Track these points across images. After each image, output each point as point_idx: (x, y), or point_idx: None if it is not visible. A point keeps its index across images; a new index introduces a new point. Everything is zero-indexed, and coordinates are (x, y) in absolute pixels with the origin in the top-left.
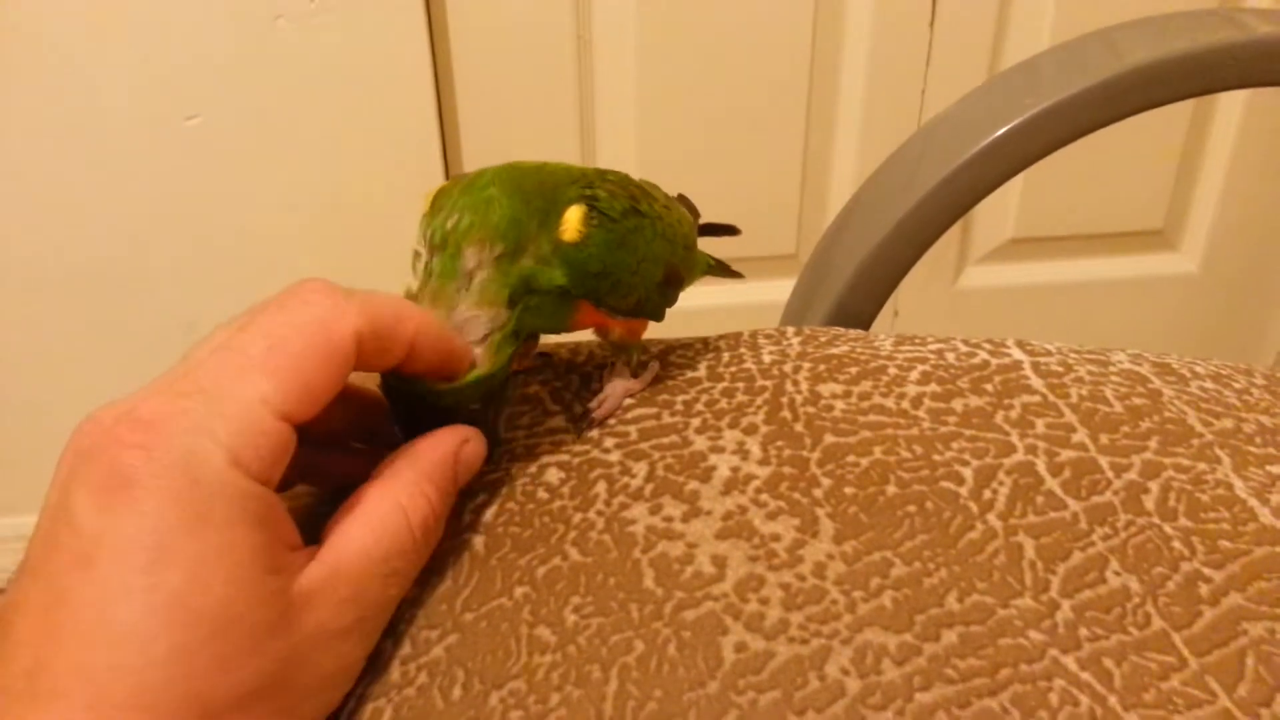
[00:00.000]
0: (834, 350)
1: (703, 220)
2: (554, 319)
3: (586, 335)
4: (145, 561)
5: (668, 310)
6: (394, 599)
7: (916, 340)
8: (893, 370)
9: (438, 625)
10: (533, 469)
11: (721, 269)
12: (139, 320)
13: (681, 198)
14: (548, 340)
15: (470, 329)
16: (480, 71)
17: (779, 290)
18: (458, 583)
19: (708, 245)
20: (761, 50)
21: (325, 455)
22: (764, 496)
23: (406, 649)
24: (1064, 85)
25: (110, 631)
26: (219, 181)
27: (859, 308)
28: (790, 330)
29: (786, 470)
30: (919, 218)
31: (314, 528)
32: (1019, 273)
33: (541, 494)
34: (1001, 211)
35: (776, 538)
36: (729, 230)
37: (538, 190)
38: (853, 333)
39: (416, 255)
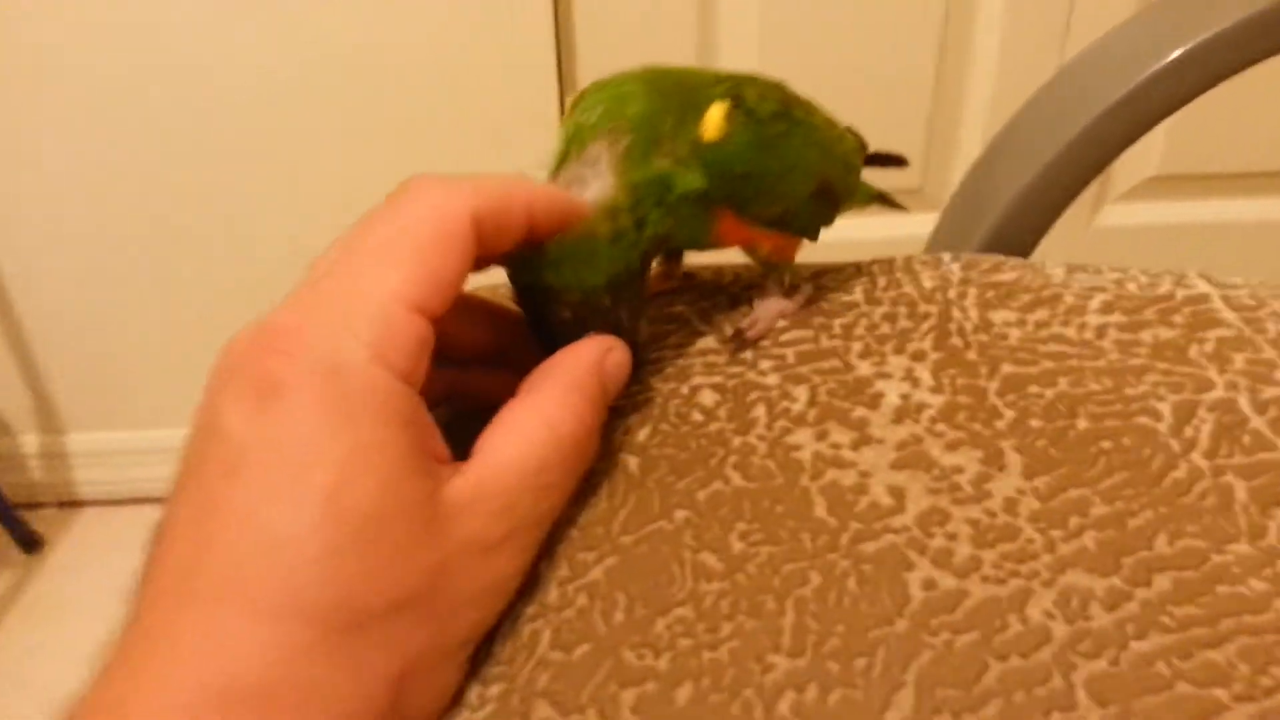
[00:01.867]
0: (1000, 277)
1: (870, 150)
2: (694, 229)
3: (732, 257)
4: (293, 464)
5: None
6: (548, 514)
7: (1090, 269)
8: (1069, 299)
9: (595, 547)
10: (685, 390)
11: (885, 200)
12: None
13: (849, 129)
14: (690, 261)
15: (587, 194)
16: (603, 45)
17: (900, 226)
18: (613, 504)
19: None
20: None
21: (466, 375)
22: (940, 426)
23: (564, 570)
24: (1237, 6)
25: (260, 535)
26: (312, 109)
27: (1018, 239)
28: (947, 256)
29: (963, 399)
30: (1084, 144)
31: (460, 445)
32: (1162, 211)
33: (696, 415)
34: (1144, 146)
35: (959, 470)
36: (896, 161)
37: (678, 89)
38: (1015, 260)
39: (553, 165)
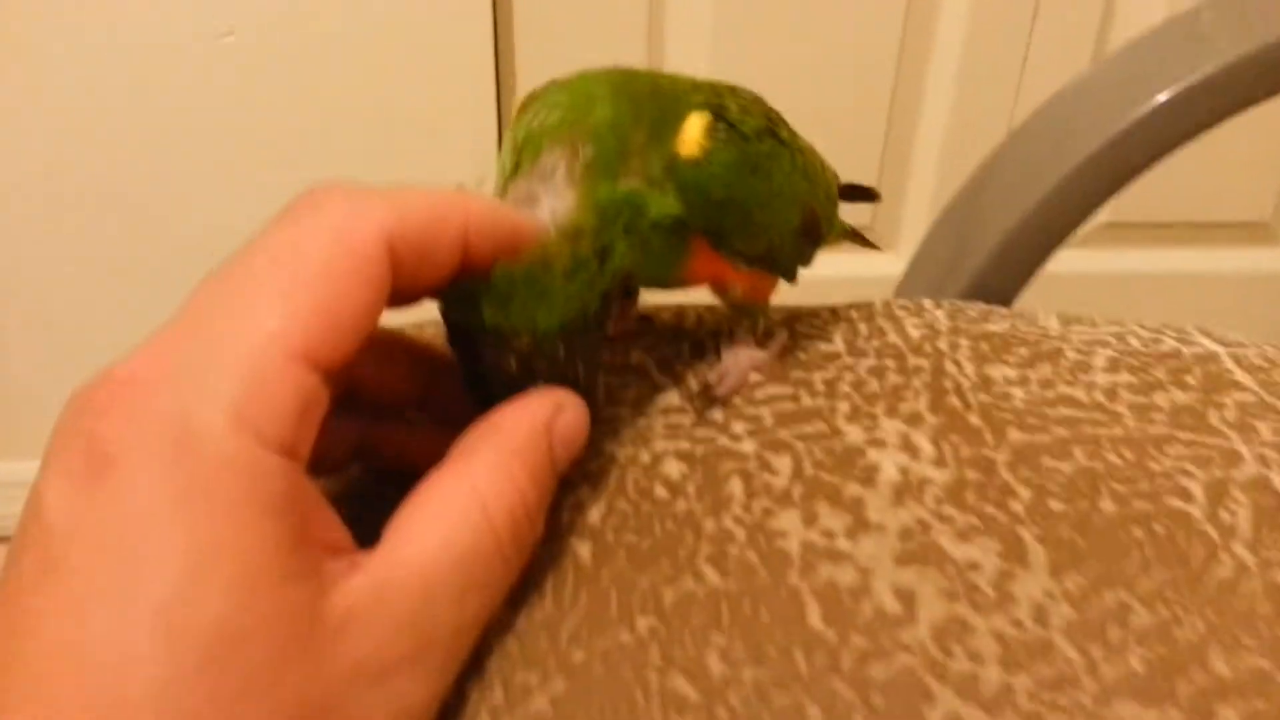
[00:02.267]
0: (991, 327)
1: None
2: (662, 263)
3: (693, 296)
4: (120, 564)
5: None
6: (473, 622)
7: (1085, 319)
8: (1071, 354)
9: (537, 665)
10: (645, 458)
11: (856, 236)
12: (166, 247)
13: None
14: (645, 300)
15: (539, 214)
16: (546, 41)
17: (854, 264)
18: (561, 607)
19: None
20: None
21: (383, 427)
22: (948, 509)
23: (497, 697)
24: (1241, 41)
25: (75, 658)
26: (254, 103)
27: (1001, 286)
28: (927, 302)
29: (970, 474)
30: (1079, 183)
31: (367, 523)
32: (1111, 260)
33: (660, 491)
34: None
35: (975, 566)
36: (866, 194)
37: (651, 95)
38: (1003, 309)
39: (499, 177)
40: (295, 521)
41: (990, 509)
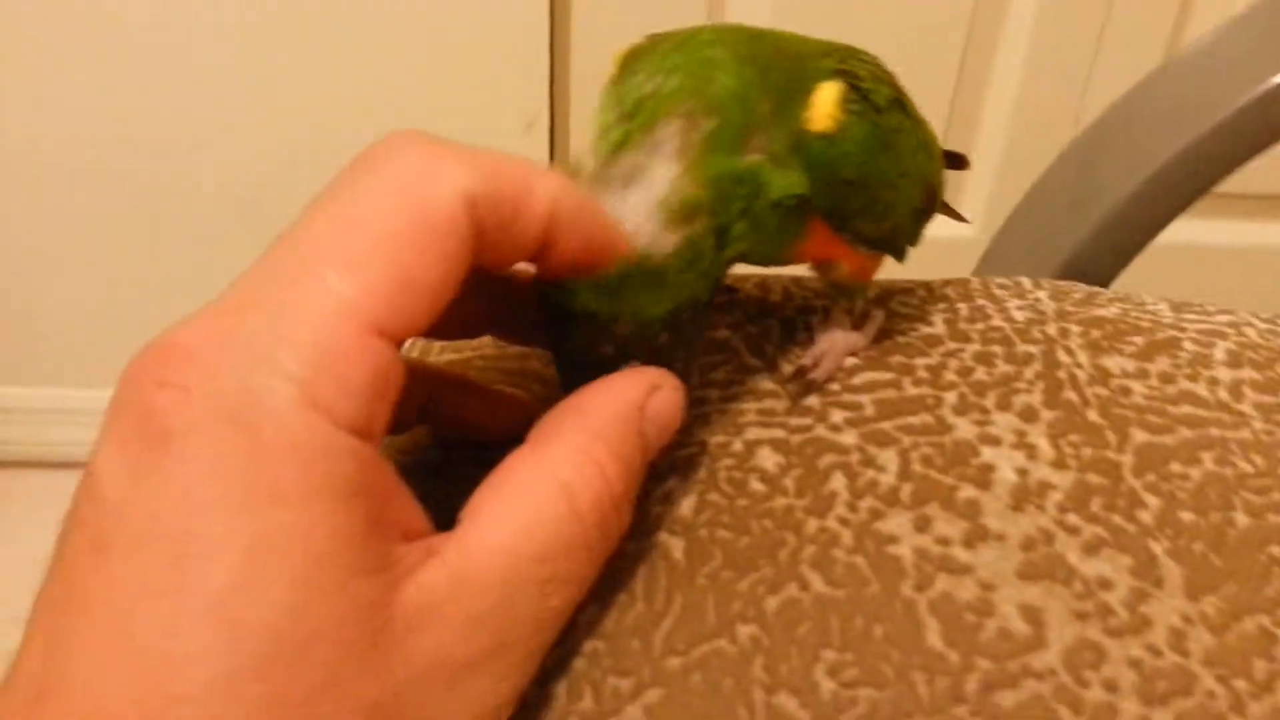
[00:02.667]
0: (1101, 311)
1: None
2: (773, 243)
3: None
4: (175, 549)
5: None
6: (555, 618)
7: (1196, 307)
8: (1189, 345)
9: (631, 672)
10: (738, 446)
11: (947, 209)
12: (199, 198)
13: None
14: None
15: (638, 216)
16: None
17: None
18: (653, 607)
19: None
20: None
21: (459, 390)
22: (1072, 517)
23: (587, 701)
24: None
25: (125, 650)
26: (291, 47)
27: (1101, 264)
28: (1026, 281)
29: (1093, 479)
30: (1199, 159)
31: (440, 500)
32: (1211, 231)
33: (755, 484)
34: None
35: (1106, 584)
36: (958, 161)
37: (775, 59)
38: (1108, 291)
39: (595, 142)
40: (367, 507)
41: (1118, 519)
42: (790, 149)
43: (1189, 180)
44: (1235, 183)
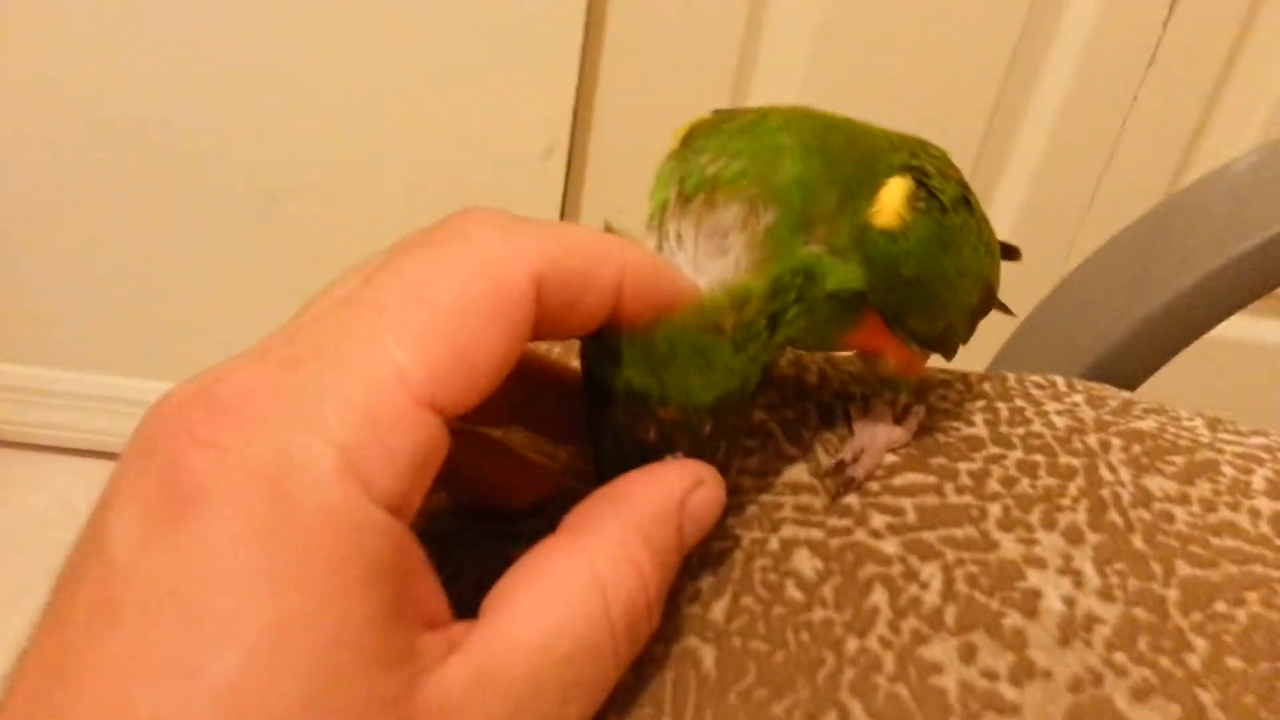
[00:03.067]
0: (1140, 424)
1: None
2: (823, 332)
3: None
4: (188, 625)
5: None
6: None
7: (1229, 426)
8: (1228, 470)
9: None
10: (774, 544)
11: (997, 303)
12: (214, 189)
13: None
14: None
15: (707, 274)
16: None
17: None
18: None
19: None
20: (955, 37)
21: (482, 452)
22: (1120, 657)
23: None
24: None
25: None
26: (308, 33)
27: (1126, 371)
28: (1061, 383)
29: (1140, 615)
30: (1259, 260)
31: (453, 573)
32: (1249, 328)
33: (792, 591)
34: None
35: None
36: (1009, 252)
37: (845, 150)
38: (1144, 401)
39: (652, 217)
40: (394, 592)
41: (1166, 662)
42: (852, 242)
43: (1247, 283)
44: None
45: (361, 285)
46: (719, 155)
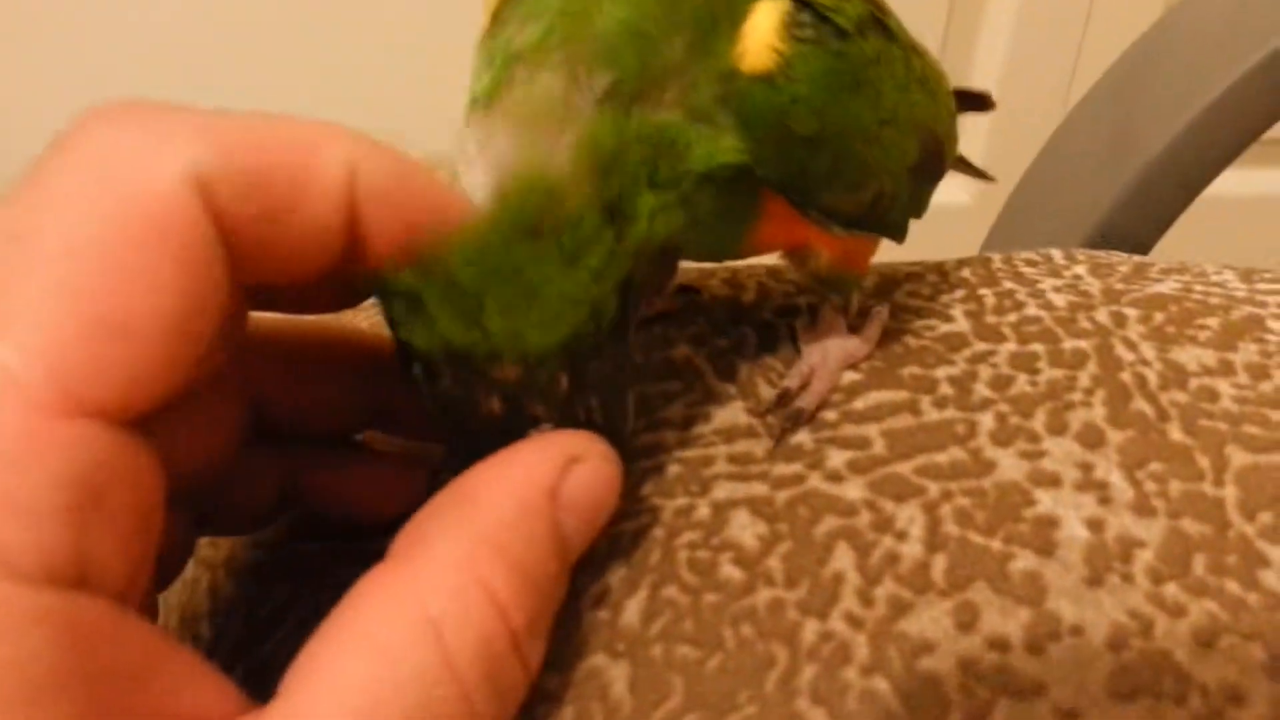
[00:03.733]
0: (1159, 288)
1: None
2: (717, 232)
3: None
4: None
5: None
6: None
7: (1268, 275)
8: (1276, 325)
9: None
10: (704, 511)
11: (966, 166)
12: None
13: None
14: (689, 267)
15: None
16: None
17: None
18: None
19: None
20: None
21: (326, 462)
22: (1172, 590)
23: None
24: None
25: None
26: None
27: (1138, 230)
28: (1058, 255)
29: (1191, 528)
30: (1248, 92)
31: (310, 613)
32: (1258, 181)
33: (728, 569)
34: None
35: (1238, 697)
36: (978, 101)
37: None
38: (1158, 261)
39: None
40: (84, 702)
41: (1234, 586)
42: (719, 99)
43: (1241, 120)
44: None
45: None
46: (526, 19)
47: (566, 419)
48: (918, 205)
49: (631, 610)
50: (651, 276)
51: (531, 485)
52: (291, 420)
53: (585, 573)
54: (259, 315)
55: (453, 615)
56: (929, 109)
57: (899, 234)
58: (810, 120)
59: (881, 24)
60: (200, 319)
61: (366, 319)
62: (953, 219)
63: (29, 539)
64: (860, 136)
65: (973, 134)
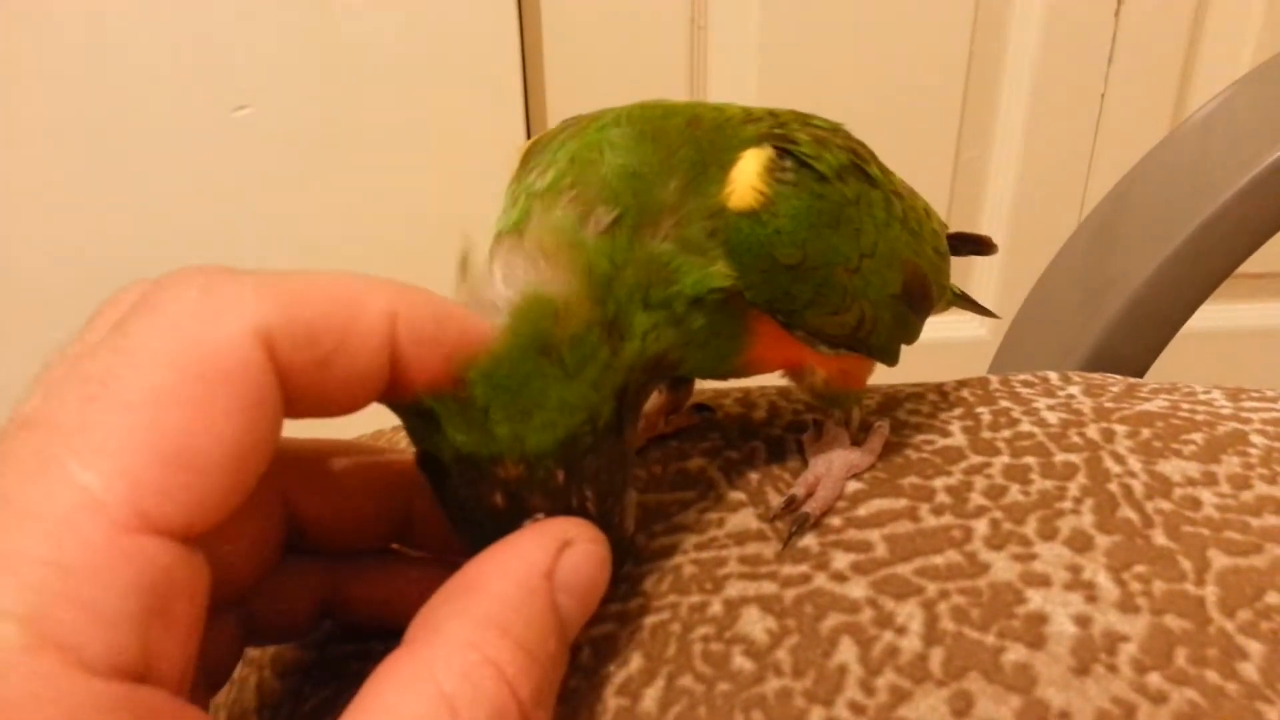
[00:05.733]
0: (1147, 406)
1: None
2: (712, 350)
3: (766, 380)
4: None
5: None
6: None
7: (1254, 394)
8: (1258, 440)
9: None
10: (716, 607)
11: (967, 301)
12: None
13: None
14: (705, 387)
15: (496, 316)
16: (576, 64)
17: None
18: None
19: None
20: (909, 45)
21: (361, 574)
22: (1154, 680)
23: None
24: None
25: None
26: (270, 181)
27: (1128, 356)
28: (1054, 376)
29: (1173, 623)
30: (1221, 227)
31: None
32: (1233, 315)
33: (740, 660)
34: None
35: None
36: (979, 245)
37: (686, 133)
38: (1146, 381)
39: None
40: None
41: (1213, 676)
42: (709, 233)
43: (1216, 254)
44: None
45: (41, 401)
46: (546, 166)
47: (562, 509)
48: (906, 332)
49: (650, 698)
50: (648, 387)
51: (529, 569)
52: (330, 534)
53: (607, 662)
54: (297, 439)
55: (465, 692)
56: (911, 244)
57: (887, 357)
58: (793, 251)
59: (862, 170)
60: (257, 453)
61: (404, 438)
62: (970, 352)
63: (102, 637)
64: (841, 266)
65: (986, 274)
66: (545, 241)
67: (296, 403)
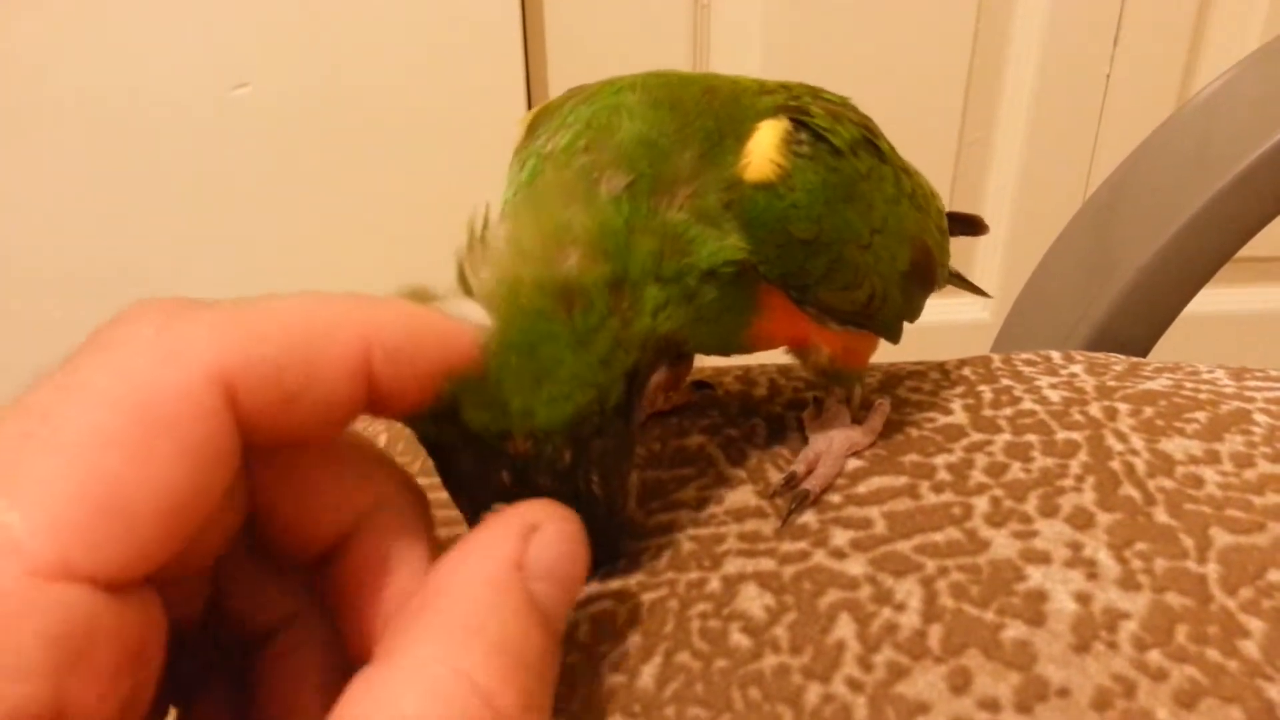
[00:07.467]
0: (1150, 385)
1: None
2: (720, 325)
3: (766, 356)
4: None
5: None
6: None
7: (1258, 374)
8: (1261, 418)
9: None
10: (715, 584)
11: (961, 280)
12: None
13: None
14: (704, 364)
15: (493, 295)
16: (579, 42)
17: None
18: None
19: None
20: (913, 26)
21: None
22: (1154, 657)
23: None
24: None
25: None
26: (269, 158)
27: (1133, 332)
28: (1057, 355)
29: (1174, 600)
30: (1222, 209)
31: None
32: (1235, 298)
33: (738, 636)
34: None
35: None
36: (973, 225)
37: (703, 102)
38: (1149, 361)
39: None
40: None
41: (1214, 654)
42: (724, 205)
43: (1219, 235)
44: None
45: None
46: (556, 131)
47: (568, 490)
48: (911, 309)
49: (647, 675)
50: (655, 368)
51: (496, 563)
52: (293, 534)
53: (605, 639)
54: None
55: (432, 713)
56: (919, 221)
57: (892, 334)
58: (808, 225)
59: (873, 145)
60: (200, 501)
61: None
62: (972, 334)
63: (6, 689)
64: (854, 242)
65: (989, 255)
66: (557, 196)
67: (264, 437)
